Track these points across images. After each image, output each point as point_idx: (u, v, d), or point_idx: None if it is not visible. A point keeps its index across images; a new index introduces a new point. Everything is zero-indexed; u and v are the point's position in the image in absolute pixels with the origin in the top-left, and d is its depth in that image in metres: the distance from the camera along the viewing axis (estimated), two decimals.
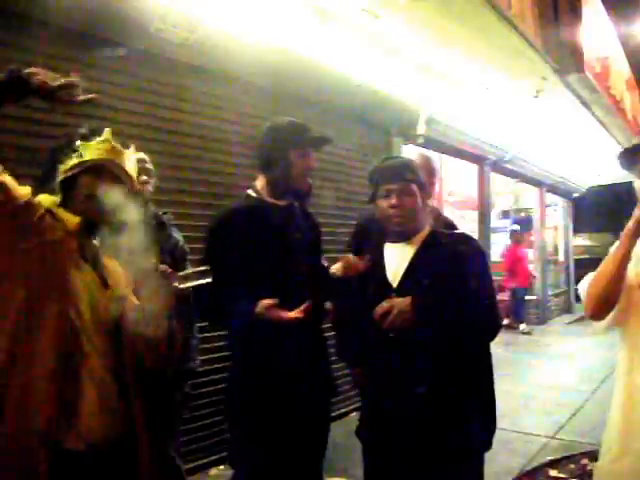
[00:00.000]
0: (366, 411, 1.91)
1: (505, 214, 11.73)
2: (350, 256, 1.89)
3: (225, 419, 2.14)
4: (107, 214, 1.40)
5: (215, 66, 3.40)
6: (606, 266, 1.59)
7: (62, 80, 1.28)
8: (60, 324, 1.29)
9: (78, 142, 1.43)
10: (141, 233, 1.36)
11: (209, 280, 1.47)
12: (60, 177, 1.41)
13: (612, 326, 1.62)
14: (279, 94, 3.81)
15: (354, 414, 4.25)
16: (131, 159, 1.51)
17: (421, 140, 5.42)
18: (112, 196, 1.38)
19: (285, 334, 1.73)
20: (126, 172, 1.45)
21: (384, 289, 1.75)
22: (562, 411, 4.52)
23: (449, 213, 5.74)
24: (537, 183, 9.89)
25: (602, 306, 1.59)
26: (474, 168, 7.43)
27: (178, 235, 2.54)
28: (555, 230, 11.61)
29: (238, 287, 1.72)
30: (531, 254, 9.83)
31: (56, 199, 1.41)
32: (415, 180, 1.80)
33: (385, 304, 1.65)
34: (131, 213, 1.37)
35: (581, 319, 10.30)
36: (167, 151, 3.18)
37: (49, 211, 1.36)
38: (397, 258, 1.80)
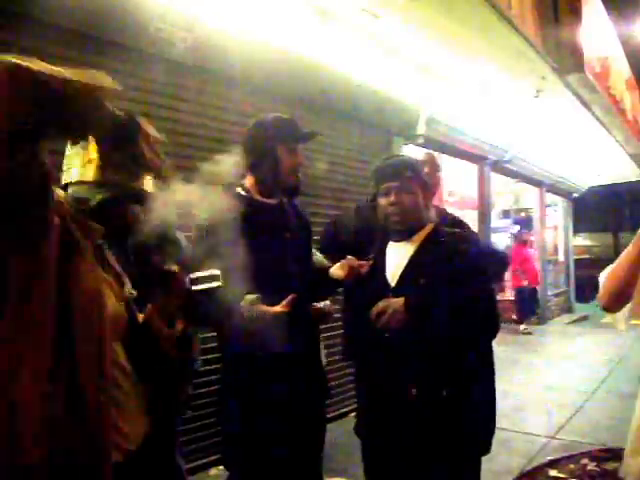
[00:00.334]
0: (363, 409, 1.91)
1: (505, 214, 11.73)
2: (351, 258, 1.87)
3: (218, 420, 2.11)
4: (136, 222, 1.41)
5: (215, 66, 3.40)
6: (622, 261, 1.62)
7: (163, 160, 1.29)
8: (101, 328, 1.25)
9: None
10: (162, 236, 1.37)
11: (219, 284, 1.47)
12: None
13: (630, 319, 1.66)
14: (279, 94, 3.80)
15: (353, 414, 4.25)
16: None
17: (421, 140, 5.43)
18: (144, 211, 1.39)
19: (279, 335, 1.72)
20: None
21: (382, 288, 1.75)
22: (562, 411, 4.52)
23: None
24: (537, 183, 9.89)
25: (615, 299, 1.64)
26: (474, 168, 7.43)
27: (180, 236, 2.54)
28: (555, 230, 11.61)
29: (229, 287, 1.71)
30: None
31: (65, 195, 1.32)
32: (414, 177, 1.79)
33: (380, 304, 1.66)
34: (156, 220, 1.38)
35: (581, 319, 10.31)
36: (166, 151, 3.17)
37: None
38: (398, 257, 1.79)
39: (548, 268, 10.45)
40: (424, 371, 1.67)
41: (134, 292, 1.40)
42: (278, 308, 1.69)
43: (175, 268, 1.44)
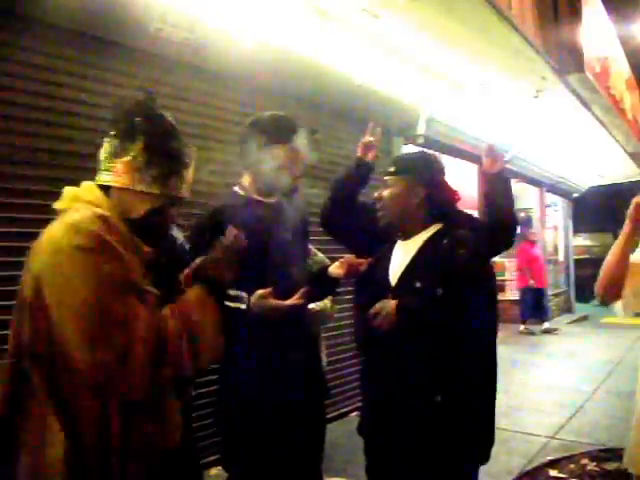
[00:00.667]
0: (366, 409, 1.91)
1: None
2: (350, 256, 1.87)
3: (218, 421, 2.10)
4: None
5: (215, 66, 3.40)
6: (612, 250, 1.73)
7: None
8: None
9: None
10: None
11: (245, 306, 1.49)
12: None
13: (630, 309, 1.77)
14: (279, 94, 3.80)
15: (354, 414, 4.25)
16: None
17: (421, 140, 5.42)
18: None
19: (279, 335, 1.72)
20: None
21: (383, 288, 1.74)
22: (562, 411, 4.52)
23: None
24: (537, 183, 9.89)
25: (608, 288, 1.71)
26: (474, 168, 7.42)
27: (178, 234, 2.54)
28: (555, 230, 11.61)
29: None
30: None
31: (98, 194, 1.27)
32: (400, 172, 1.76)
33: (377, 305, 1.65)
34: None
35: (581, 319, 10.31)
36: None
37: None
38: (402, 256, 1.77)
39: (548, 268, 10.44)
40: (416, 375, 1.64)
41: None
42: (292, 301, 1.68)
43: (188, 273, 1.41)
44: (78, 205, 1.23)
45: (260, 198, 1.88)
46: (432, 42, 4.09)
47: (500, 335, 1.85)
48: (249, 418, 1.77)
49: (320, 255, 2.23)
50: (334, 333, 3.52)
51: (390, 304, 1.64)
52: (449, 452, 1.63)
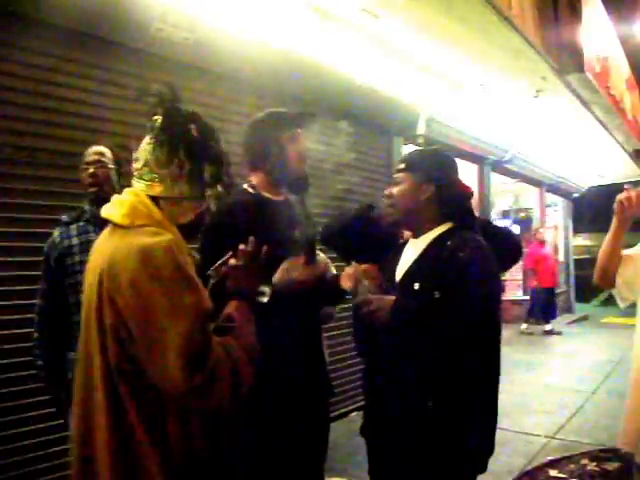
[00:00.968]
0: (366, 410, 1.91)
1: (505, 214, 11.73)
2: (356, 265, 1.79)
3: None
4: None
5: (215, 66, 3.40)
6: (603, 244, 1.96)
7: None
8: None
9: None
10: None
11: (266, 300, 1.47)
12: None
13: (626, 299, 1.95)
14: (279, 94, 3.80)
15: (354, 414, 4.26)
16: None
17: (421, 140, 5.42)
18: None
19: (286, 334, 1.71)
20: None
21: (388, 286, 1.72)
22: (562, 411, 4.53)
23: None
24: (537, 183, 9.89)
25: (602, 275, 1.96)
26: (474, 168, 7.43)
27: None
28: (555, 230, 11.61)
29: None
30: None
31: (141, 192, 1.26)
32: (409, 169, 1.73)
33: (373, 297, 1.63)
34: None
35: (581, 319, 10.31)
36: None
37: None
38: (408, 255, 1.75)
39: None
40: (410, 379, 1.61)
41: None
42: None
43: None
44: (139, 225, 1.21)
45: (270, 196, 1.88)
46: (432, 42, 4.10)
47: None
48: (253, 417, 1.76)
49: (322, 255, 2.23)
50: (335, 333, 3.52)
51: (387, 300, 1.62)
52: (444, 459, 1.59)
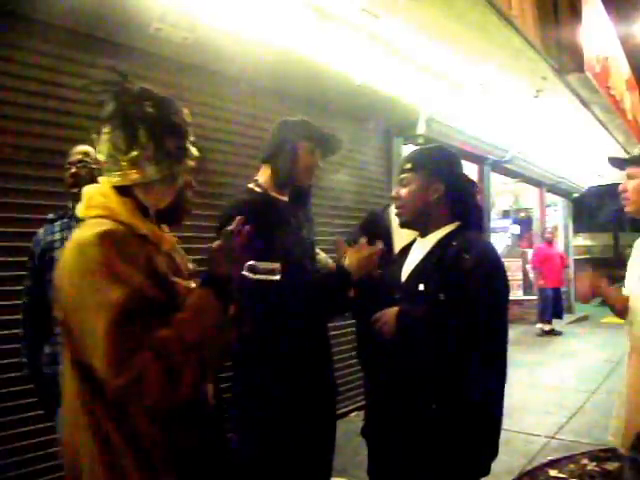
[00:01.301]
0: (368, 410, 1.90)
1: (505, 214, 11.74)
2: (357, 246, 1.76)
3: (233, 421, 2.08)
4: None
5: (215, 66, 3.40)
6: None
7: None
8: None
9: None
10: None
11: (277, 278, 1.41)
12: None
13: None
14: (279, 94, 3.80)
15: (354, 414, 4.25)
16: None
17: (421, 140, 5.42)
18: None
19: (298, 335, 1.71)
20: None
21: (393, 288, 1.71)
22: (562, 411, 4.53)
23: None
24: (537, 183, 9.89)
25: None
26: (474, 168, 7.43)
27: None
28: (555, 230, 11.62)
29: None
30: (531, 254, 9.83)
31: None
32: (417, 168, 1.70)
33: (379, 313, 1.62)
34: None
35: (581, 319, 10.31)
36: None
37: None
38: (415, 255, 1.73)
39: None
40: (413, 381, 1.60)
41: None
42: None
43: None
44: (92, 216, 1.18)
45: (276, 195, 1.90)
46: (432, 42, 4.09)
47: None
48: (269, 418, 1.75)
49: (323, 254, 2.22)
50: (335, 332, 3.51)
51: (391, 312, 1.60)
52: (447, 461, 1.58)
